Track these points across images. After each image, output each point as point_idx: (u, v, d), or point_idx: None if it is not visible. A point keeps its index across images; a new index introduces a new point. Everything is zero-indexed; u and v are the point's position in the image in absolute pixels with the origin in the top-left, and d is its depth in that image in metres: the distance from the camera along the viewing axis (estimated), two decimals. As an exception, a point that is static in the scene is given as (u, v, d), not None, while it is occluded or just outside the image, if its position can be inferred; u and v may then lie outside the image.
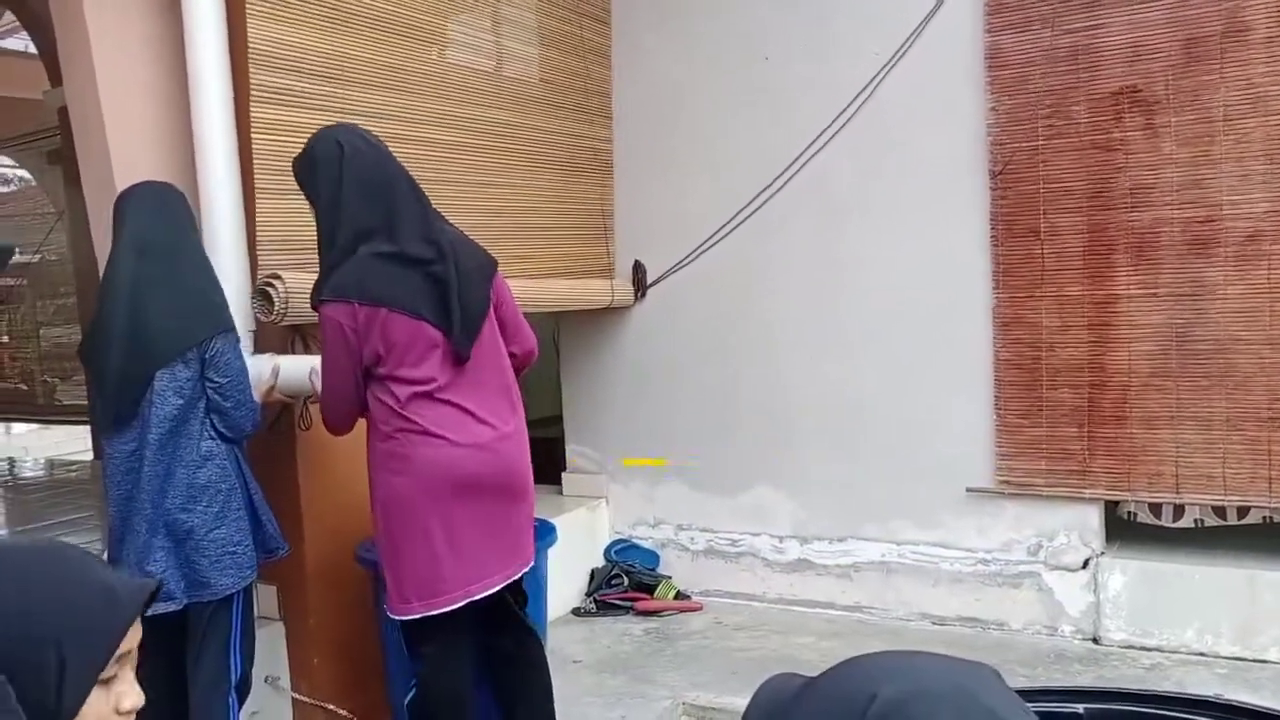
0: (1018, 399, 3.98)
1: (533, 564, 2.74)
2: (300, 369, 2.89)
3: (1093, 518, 3.90)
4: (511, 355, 2.74)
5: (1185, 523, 3.80)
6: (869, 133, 4.18)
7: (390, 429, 2.50)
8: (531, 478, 2.72)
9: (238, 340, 2.69)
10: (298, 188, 2.66)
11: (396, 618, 2.55)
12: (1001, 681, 0.92)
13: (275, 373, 2.89)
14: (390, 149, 2.64)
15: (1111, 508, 3.93)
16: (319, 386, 2.76)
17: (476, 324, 2.57)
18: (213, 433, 2.60)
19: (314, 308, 2.55)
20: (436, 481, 2.48)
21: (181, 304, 2.58)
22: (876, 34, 4.13)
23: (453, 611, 2.52)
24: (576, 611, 4.47)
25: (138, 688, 1.13)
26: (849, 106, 4.19)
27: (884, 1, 4.13)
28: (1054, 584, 3.94)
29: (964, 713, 0.84)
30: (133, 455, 2.54)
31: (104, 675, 1.07)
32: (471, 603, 2.54)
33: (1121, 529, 3.96)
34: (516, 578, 2.67)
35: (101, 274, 2.67)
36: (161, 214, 2.65)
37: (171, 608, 2.53)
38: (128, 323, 2.53)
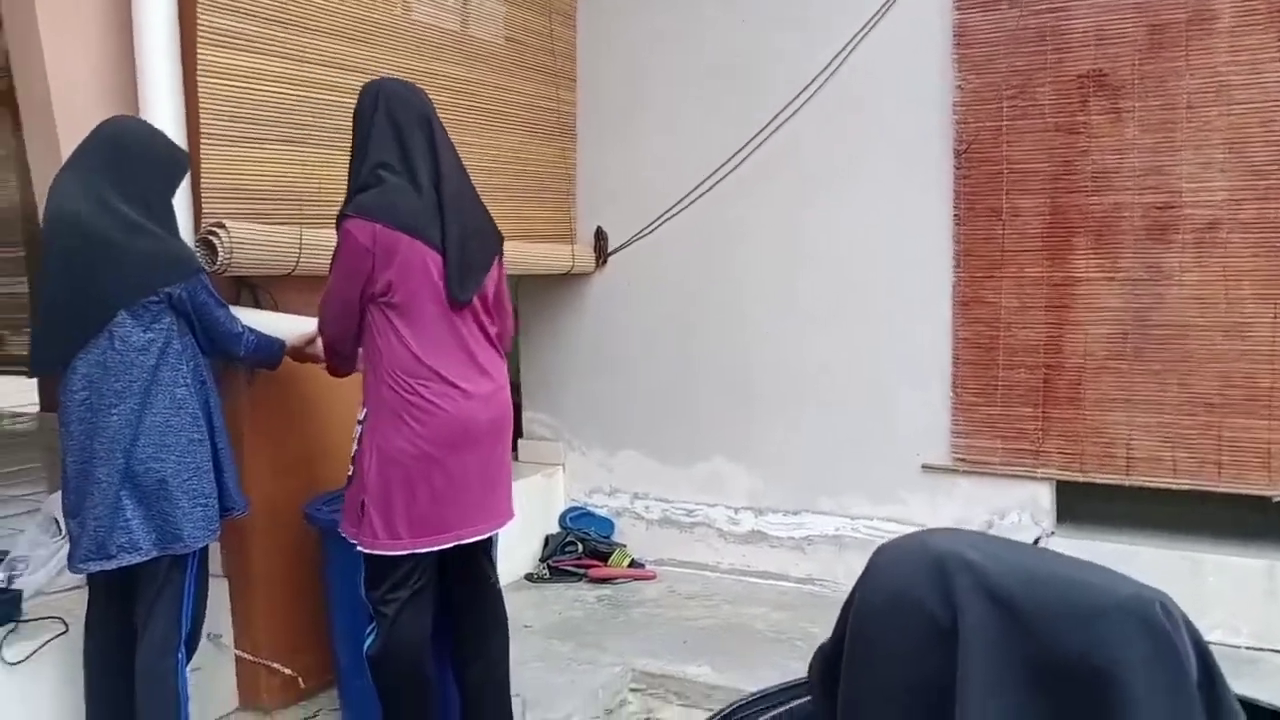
0: (975, 378, 4.00)
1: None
2: None
3: (1044, 497, 3.94)
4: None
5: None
6: (835, 107, 4.16)
7: (411, 379, 2.50)
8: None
9: (208, 281, 2.59)
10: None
11: (381, 552, 2.53)
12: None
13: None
14: (431, 104, 2.68)
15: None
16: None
17: (478, 276, 2.61)
18: (185, 379, 2.52)
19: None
20: (451, 432, 2.54)
21: (146, 244, 2.47)
22: (849, 5, 4.09)
23: (428, 555, 2.57)
24: (529, 577, 4.45)
25: None
26: (814, 80, 4.16)
27: (857, -27, 4.10)
28: (1002, 562, 3.98)
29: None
30: (85, 404, 2.43)
31: None
32: (444, 551, 2.59)
33: (1072, 505, 4.00)
34: (494, 532, 2.72)
35: (48, 202, 2.51)
36: (114, 149, 2.50)
37: (138, 559, 2.46)
38: (80, 260, 2.42)
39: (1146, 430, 3.74)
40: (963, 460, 4.04)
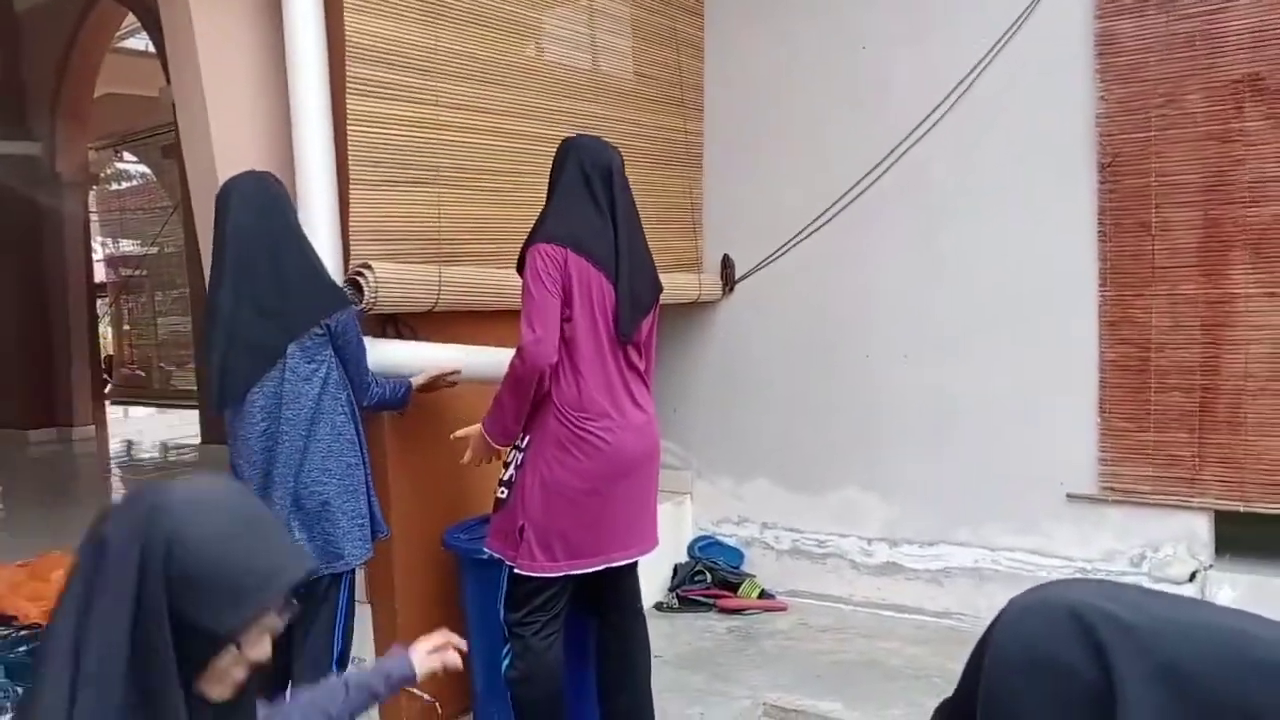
0: (1124, 402, 3.81)
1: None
2: (489, 359, 2.97)
3: (1201, 528, 3.71)
4: None
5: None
6: (969, 123, 4.05)
7: (578, 413, 2.61)
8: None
9: (355, 316, 2.75)
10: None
11: (537, 574, 2.62)
12: None
13: (458, 372, 3.06)
14: (619, 157, 2.79)
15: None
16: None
17: (641, 316, 2.71)
18: (343, 408, 2.66)
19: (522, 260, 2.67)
20: (611, 465, 2.64)
21: (307, 281, 2.64)
22: (980, 20, 3.99)
23: (575, 579, 2.65)
24: (659, 606, 4.45)
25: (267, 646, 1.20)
26: (948, 97, 4.07)
27: (988, -13, 4.00)
28: (1159, 597, 3.75)
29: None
30: (265, 434, 2.59)
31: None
32: (591, 577, 2.68)
33: (1233, 536, 3.74)
34: (641, 556, 2.79)
35: (211, 256, 2.70)
36: (266, 200, 2.68)
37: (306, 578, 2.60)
38: (251, 299, 2.58)
39: (1317, 457, 3.48)
40: (1111, 489, 3.85)
